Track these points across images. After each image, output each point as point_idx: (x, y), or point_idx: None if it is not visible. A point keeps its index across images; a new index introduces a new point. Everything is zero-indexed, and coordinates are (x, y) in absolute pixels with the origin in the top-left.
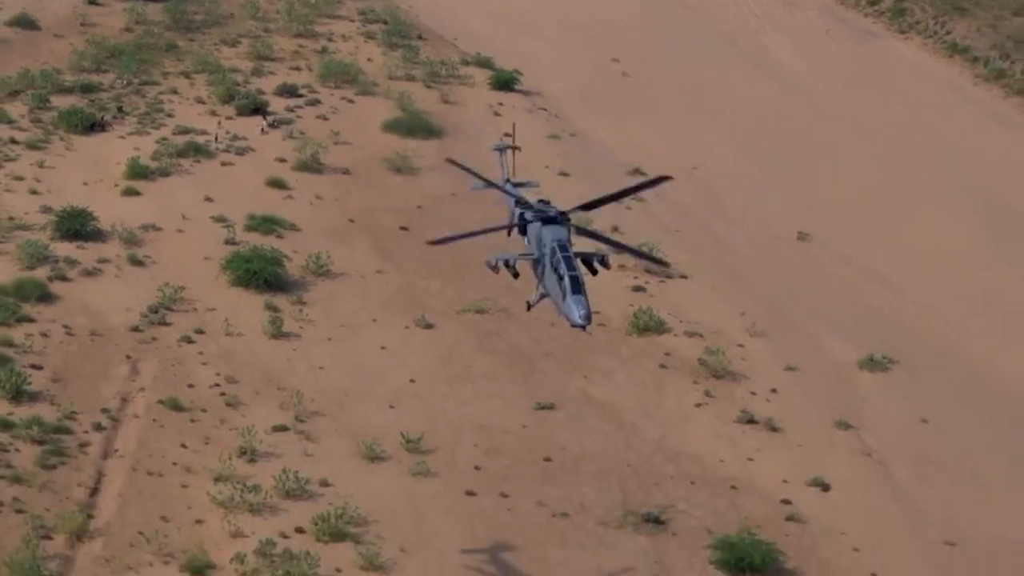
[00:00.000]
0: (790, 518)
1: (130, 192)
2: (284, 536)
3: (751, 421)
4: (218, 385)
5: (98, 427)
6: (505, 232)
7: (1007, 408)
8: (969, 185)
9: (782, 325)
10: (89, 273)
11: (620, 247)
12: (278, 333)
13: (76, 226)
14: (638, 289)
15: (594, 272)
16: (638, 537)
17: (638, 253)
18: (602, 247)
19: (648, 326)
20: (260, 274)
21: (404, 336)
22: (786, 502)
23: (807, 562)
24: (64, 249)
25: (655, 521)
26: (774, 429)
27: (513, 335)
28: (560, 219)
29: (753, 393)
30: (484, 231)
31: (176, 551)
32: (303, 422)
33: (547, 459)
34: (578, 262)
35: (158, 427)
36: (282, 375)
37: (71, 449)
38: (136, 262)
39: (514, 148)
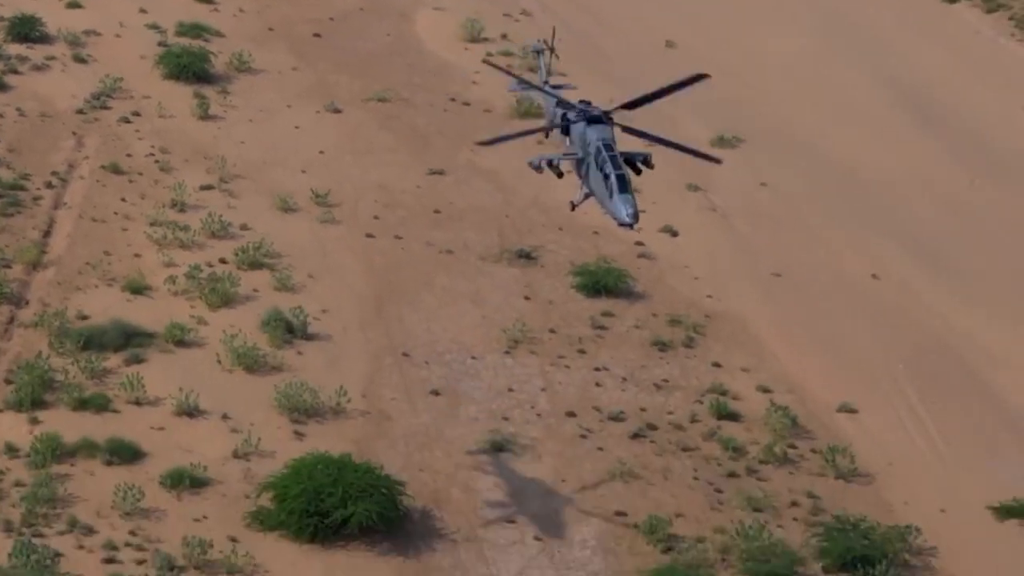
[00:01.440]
0: (642, 255)
1: (73, 5)
2: (209, 265)
3: None
4: (153, 155)
5: (49, 185)
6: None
7: (831, 176)
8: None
9: (648, 112)
10: (38, 68)
11: (668, 143)
12: (205, 115)
13: (26, 30)
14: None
15: (638, 172)
16: (511, 268)
17: (687, 149)
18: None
19: (529, 111)
20: (189, 67)
21: (315, 119)
22: (639, 244)
23: (654, 287)
24: (15, 49)
25: (527, 256)
26: (634, 190)
27: (411, 118)
28: (604, 118)
29: None
30: (528, 132)
31: (118, 277)
32: (227, 183)
33: (436, 211)
34: (623, 161)
35: (101, 186)
36: (208, 147)
37: (26, 201)
38: (80, 60)
39: (551, 50)
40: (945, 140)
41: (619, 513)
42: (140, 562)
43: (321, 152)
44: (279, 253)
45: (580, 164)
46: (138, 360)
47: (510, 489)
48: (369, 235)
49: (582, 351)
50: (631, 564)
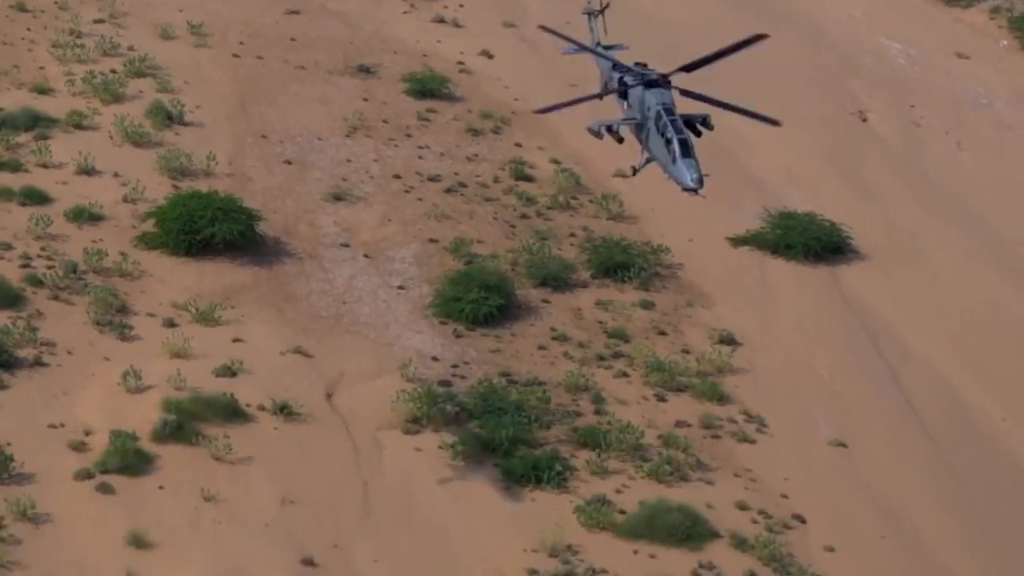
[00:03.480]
0: (463, 71)
1: None
2: (102, 73)
3: (441, 20)
4: None
5: None
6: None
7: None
8: None
9: None
10: None
11: (725, 106)
12: None
13: None
14: None
15: (698, 134)
16: (353, 79)
17: (748, 112)
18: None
19: None
20: None
21: None
22: (461, 63)
23: (471, 93)
24: None
25: (366, 70)
26: (458, 26)
27: None
28: (663, 81)
29: (445, 7)
30: (587, 98)
31: (26, 82)
32: (116, 18)
33: (292, 39)
34: (683, 125)
35: (9, 20)
36: None
37: None
38: None
39: (603, 10)
40: None
41: (432, 240)
42: (50, 267)
43: None
44: (160, 66)
45: (640, 129)
46: (44, 137)
47: (346, 225)
48: (235, 55)
49: (408, 135)
50: (439, 271)
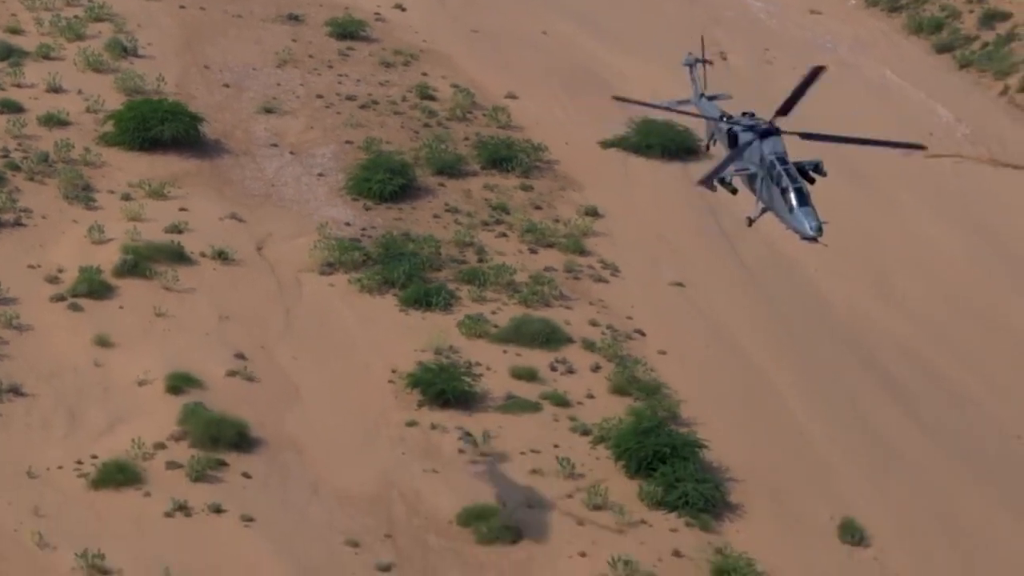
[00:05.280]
0: (379, 20)
1: None
2: (67, 18)
3: None
4: None
5: None
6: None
7: None
8: None
9: None
10: None
11: (862, 141)
12: None
13: None
14: None
15: (811, 181)
16: (284, 25)
17: (887, 143)
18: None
19: None
20: None
21: None
22: (377, 14)
23: (385, 36)
24: None
25: (295, 18)
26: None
27: None
28: (773, 130)
29: None
30: (667, 107)
31: (2, 25)
32: None
33: None
34: (797, 172)
35: None
36: None
37: None
38: None
39: (704, 61)
40: None
41: (348, 141)
42: (25, 157)
43: None
44: (117, 14)
45: (753, 179)
46: (18, 64)
47: (275, 131)
48: (182, 7)
49: (330, 66)
50: (352, 161)
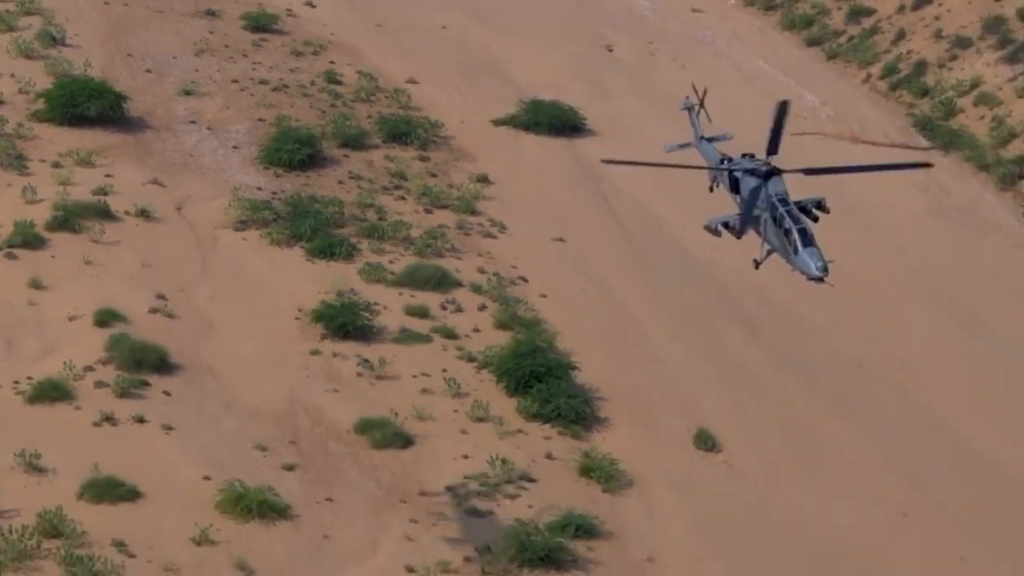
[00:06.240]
0: (291, 15)
1: None
2: None
3: None
4: None
5: None
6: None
7: None
8: None
9: None
10: None
11: (868, 168)
12: None
13: None
14: None
15: (815, 219)
16: (202, 20)
17: (894, 166)
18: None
19: None
20: None
21: None
22: (289, 10)
23: (296, 29)
24: None
25: (212, 13)
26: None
27: None
28: (774, 171)
29: None
30: (670, 165)
31: None
32: None
33: None
34: (800, 212)
35: None
36: None
37: None
38: None
39: (702, 105)
40: None
41: (260, 119)
42: None
43: None
44: (47, 8)
45: (757, 221)
46: None
47: (194, 110)
48: (106, 2)
49: (245, 55)
50: (264, 136)
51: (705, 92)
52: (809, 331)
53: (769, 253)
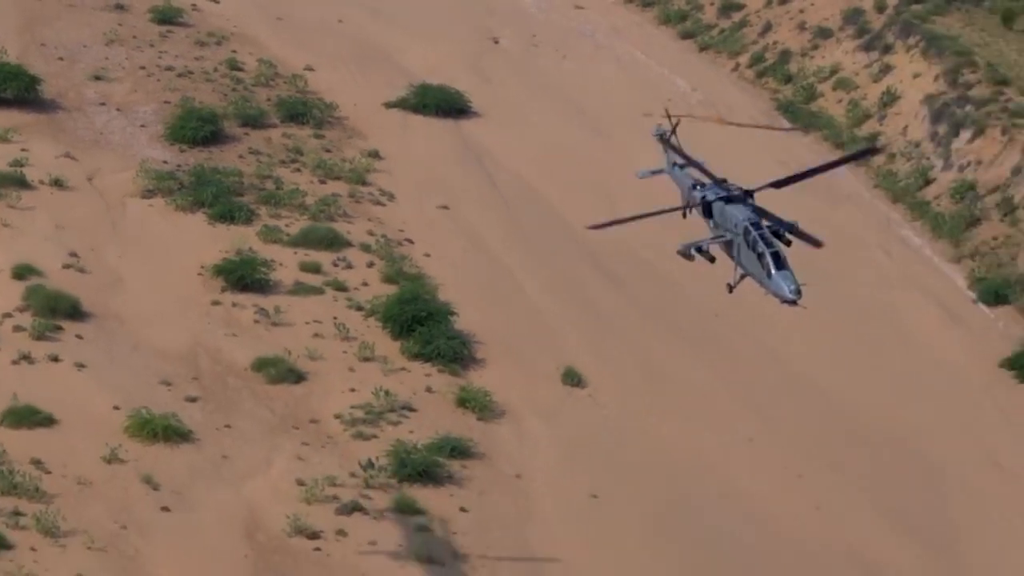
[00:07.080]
0: (195, 10)
1: None
2: None
3: None
4: None
5: None
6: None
7: None
8: None
9: None
10: None
11: (821, 168)
12: None
13: None
14: None
15: (787, 243)
16: (112, 13)
17: (842, 160)
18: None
19: None
20: None
21: None
22: (194, 4)
23: (199, 21)
24: None
25: (121, 7)
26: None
27: None
28: (745, 197)
29: None
30: (650, 214)
31: None
32: None
33: None
34: (773, 236)
35: None
36: None
37: None
38: None
39: (674, 131)
40: None
41: (166, 102)
42: None
43: None
44: None
45: (730, 245)
46: None
47: (104, 93)
48: None
49: (152, 45)
50: (170, 117)
51: (678, 121)
52: (671, 284)
53: (742, 277)
